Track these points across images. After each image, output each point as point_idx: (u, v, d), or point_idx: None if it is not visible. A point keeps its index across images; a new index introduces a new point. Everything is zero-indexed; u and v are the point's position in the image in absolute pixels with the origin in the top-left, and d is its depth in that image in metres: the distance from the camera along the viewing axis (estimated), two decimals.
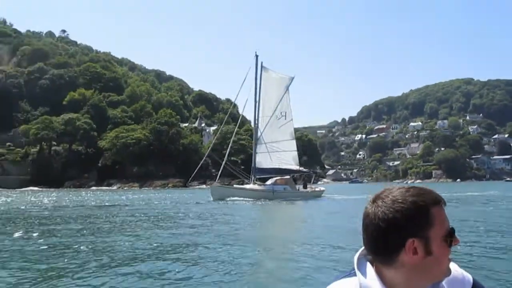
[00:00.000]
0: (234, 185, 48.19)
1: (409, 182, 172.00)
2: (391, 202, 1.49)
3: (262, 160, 47.22)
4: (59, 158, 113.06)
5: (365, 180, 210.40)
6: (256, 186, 44.93)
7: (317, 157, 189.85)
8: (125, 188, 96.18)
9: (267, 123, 47.65)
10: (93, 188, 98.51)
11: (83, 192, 70.57)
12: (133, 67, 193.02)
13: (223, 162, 45.83)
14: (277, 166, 46.52)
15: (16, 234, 16.02)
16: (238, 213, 27.16)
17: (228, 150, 49.86)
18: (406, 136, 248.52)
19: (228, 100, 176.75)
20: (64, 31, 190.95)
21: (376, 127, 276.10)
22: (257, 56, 48.86)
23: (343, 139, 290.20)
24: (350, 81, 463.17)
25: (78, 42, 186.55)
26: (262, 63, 48.97)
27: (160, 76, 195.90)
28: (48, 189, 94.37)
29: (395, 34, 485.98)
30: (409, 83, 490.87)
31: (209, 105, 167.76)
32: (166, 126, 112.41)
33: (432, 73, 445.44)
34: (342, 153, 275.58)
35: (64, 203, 38.54)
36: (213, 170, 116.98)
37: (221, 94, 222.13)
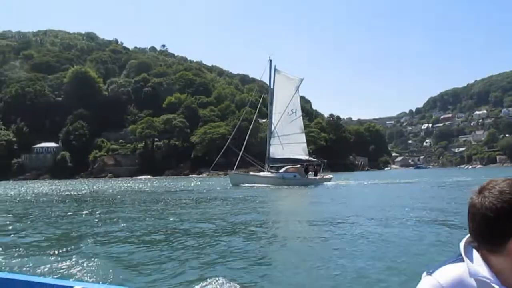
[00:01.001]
0: (250, 173, 48.58)
1: (474, 167, 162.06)
2: (498, 193, 1.43)
3: (275, 151, 47.48)
4: (160, 151, 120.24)
5: (430, 166, 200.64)
6: (268, 174, 45.32)
7: (383, 146, 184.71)
8: (212, 175, 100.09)
9: (280, 119, 48.00)
10: (189, 176, 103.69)
11: (182, 180, 74.87)
12: (221, 72, 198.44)
13: (240, 153, 46.69)
14: (288, 156, 46.49)
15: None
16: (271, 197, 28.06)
17: (245, 142, 49.72)
18: (471, 124, 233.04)
19: (302, 97, 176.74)
20: (163, 45, 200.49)
21: (442, 117, 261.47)
22: (270, 60, 49.60)
23: (410, 128, 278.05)
24: (417, 73, 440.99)
25: (175, 54, 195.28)
26: (275, 66, 49.67)
27: (243, 79, 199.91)
28: (152, 177, 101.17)
29: (458, 26, 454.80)
30: (474, 74, 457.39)
31: None
32: (246, 122, 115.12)
33: (496, 63, 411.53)
34: (410, 142, 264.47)
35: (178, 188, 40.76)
36: None
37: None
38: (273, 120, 48.54)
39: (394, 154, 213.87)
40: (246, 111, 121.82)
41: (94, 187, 52.15)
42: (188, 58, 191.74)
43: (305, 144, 49.11)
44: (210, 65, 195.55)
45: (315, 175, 46.82)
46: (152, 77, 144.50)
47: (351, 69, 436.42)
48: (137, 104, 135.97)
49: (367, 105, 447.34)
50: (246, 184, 41.56)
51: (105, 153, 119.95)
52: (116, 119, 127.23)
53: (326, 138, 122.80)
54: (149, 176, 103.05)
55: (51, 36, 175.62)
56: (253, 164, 50.82)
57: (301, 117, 50.08)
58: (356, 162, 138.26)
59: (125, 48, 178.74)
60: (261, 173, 46.22)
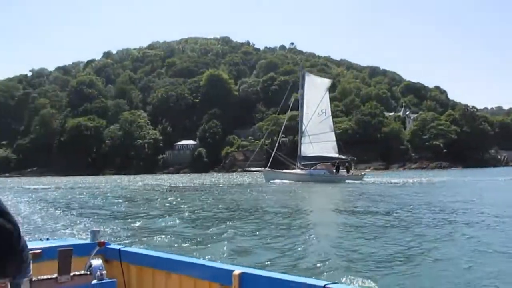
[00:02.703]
0: (284, 170, 49.50)
1: None
2: None
3: (306, 149, 49.59)
4: (285, 147, 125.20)
5: None
6: (298, 171, 47.48)
7: None
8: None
9: (310, 119, 50.00)
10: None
11: None
12: (349, 66, 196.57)
13: (273, 152, 50.47)
14: (318, 154, 48.11)
15: None
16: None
17: (278, 140, 54.72)
18: None
19: (437, 88, 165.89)
20: (292, 43, 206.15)
21: None
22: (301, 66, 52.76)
23: None
24: None
25: (304, 51, 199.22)
26: (305, 70, 53.95)
27: (374, 71, 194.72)
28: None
29: None
30: None
31: (417, 93, 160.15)
32: (369, 117, 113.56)
33: None
34: None
35: None
36: (413, 154, 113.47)
37: (430, 83, 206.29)
38: (304, 121, 50.84)
39: None
40: (371, 105, 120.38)
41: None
42: (317, 54, 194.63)
43: (335, 143, 51.03)
44: (338, 59, 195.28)
45: (347, 172, 47.47)
46: (279, 75, 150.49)
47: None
48: (265, 102, 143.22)
49: None
50: (277, 180, 43.86)
51: (236, 149, 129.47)
52: (246, 117, 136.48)
53: (457, 131, 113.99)
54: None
55: (191, 43, 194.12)
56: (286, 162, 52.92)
57: (331, 117, 52.91)
58: (499, 156, 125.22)
59: (256, 49, 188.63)
60: (292, 170, 48.47)
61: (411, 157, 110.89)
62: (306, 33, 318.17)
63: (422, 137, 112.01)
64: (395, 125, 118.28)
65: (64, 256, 2.80)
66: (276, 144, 54.14)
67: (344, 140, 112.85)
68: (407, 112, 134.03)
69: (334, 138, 51.41)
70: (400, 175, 63.64)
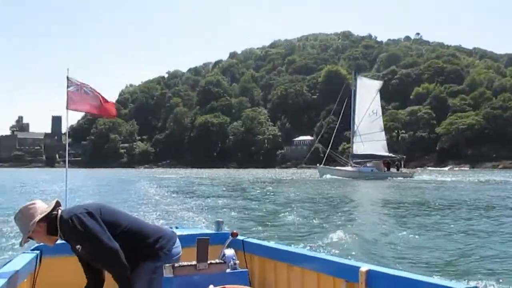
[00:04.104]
0: (336, 167, 53.20)
1: None
2: None
3: (358, 148, 52.91)
4: (404, 143, 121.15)
5: None
6: (349, 168, 51.31)
7: None
8: (455, 169, 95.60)
9: (361, 119, 53.46)
10: (430, 168, 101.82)
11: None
12: (483, 55, 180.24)
13: (327, 150, 54.40)
14: (369, 153, 51.41)
15: None
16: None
17: (332, 140, 55.34)
18: None
19: None
20: (418, 33, 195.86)
21: None
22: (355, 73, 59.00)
23: None
24: None
25: (431, 41, 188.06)
26: (356, 73, 59.04)
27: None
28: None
29: None
30: None
31: None
32: (500, 110, 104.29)
33: None
34: None
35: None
36: None
37: None
38: (355, 121, 54.30)
39: None
40: (503, 98, 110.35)
41: None
42: (446, 43, 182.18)
43: (385, 142, 55.02)
44: (470, 48, 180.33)
45: (397, 170, 50.70)
46: (400, 68, 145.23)
47: None
48: (385, 97, 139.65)
49: None
50: (328, 175, 47.88)
51: None
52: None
53: None
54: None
55: (311, 40, 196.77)
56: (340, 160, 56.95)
57: (381, 117, 56.96)
58: None
59: (378, 42, 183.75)
60: (343, 167, 52.57)
61: None
62: (433, 22, 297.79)
63: None
64: None
65: (202, 245, 2.90)
66: (330, 142, 56.39)
67: (468, 137, 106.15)
68: None
69: (384, 138, 55.61)
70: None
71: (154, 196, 23.45)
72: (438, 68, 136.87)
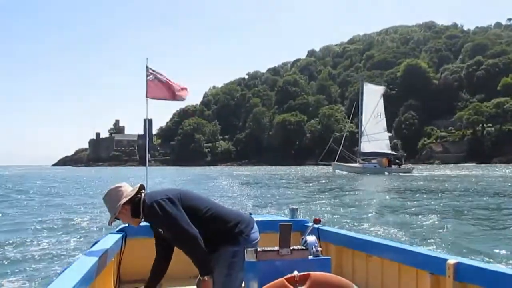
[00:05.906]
0: (347, 164, 60.78)
1: None
2: None
3: (364, 146, 61.35)
4: (489, 137, 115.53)
5: None
6: (356, 164, 58.94)
7: None
8: None
9: (368, 121, 61.91)
10: None
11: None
12: None
13: (340, 149, 60.96)
14: (374, 151, 59.88)
15: None
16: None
17: (343, 139, 62.96)
18: None
19: None
20: (510, 19, 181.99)
21: None
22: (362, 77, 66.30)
23: None
24: None
25: None
26: (363, 79, 70.33)
27: None
28: (477, 164, 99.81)
29: None
30: None
31: None
32: None
33: None
34: None
35: None
36: None
37: None
38: (363, 122, 62.54)
39: None
40: None
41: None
42: None
43: (388, 141, 63.38)
44: None
45: (399, 166, 57.15)
46: (487, 58, 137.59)
47: None
48: (469, 90, 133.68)
49: None
50: (338, 171, 56.90)
51: (434, 141, 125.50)
52: (446, 107, 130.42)
53: None
54: (473, 164, 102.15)
55: (391, 33, 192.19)
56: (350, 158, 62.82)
57: (385, 119, 63.61)
58: None
59: (463, 31, 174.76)
60: (351, 164, 59.95)
61: None
62: None
63: None
64: None
65: (285, 231, 2.79)
66: (342, 140, 63.92)
67: None
68: None
69: (387, 137, 63.58)
70: None
71: (230, 188, 27.58)
72: None
